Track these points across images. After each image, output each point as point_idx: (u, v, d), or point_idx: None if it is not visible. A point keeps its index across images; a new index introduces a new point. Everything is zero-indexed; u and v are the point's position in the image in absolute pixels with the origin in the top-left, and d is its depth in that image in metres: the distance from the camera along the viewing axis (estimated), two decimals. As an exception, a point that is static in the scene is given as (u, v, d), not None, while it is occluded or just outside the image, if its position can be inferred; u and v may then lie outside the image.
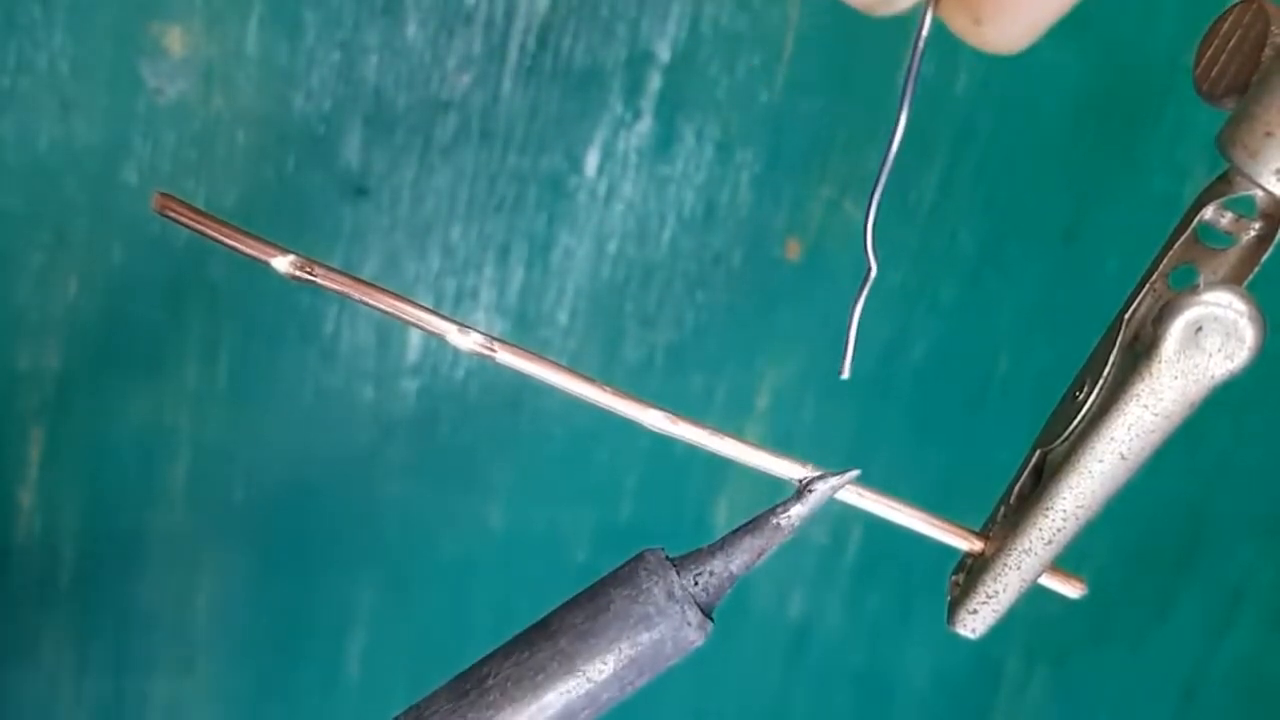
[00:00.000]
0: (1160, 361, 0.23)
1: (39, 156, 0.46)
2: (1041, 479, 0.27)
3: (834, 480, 0.26)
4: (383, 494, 0.54)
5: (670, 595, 0.26)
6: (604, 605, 0.26)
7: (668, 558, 0.26)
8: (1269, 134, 0.23)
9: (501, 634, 0.54)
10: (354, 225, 0.49)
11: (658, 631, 0.25)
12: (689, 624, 0.26)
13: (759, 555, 0.26)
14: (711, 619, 0.26)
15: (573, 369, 0.26)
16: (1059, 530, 0.26)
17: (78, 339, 0.49)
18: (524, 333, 0.52)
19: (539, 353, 0.26)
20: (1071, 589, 0.28)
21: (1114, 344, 0.26)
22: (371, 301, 0.26)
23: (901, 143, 0.23)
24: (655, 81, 0.49)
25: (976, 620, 0.28)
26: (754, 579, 0.58)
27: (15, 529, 0.51)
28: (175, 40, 0.46)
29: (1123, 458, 0.25)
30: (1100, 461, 0.25)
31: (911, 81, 0.22)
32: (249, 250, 0.25)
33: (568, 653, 0.26)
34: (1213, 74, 0.25)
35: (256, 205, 0.48)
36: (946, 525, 0.28)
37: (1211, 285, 0.24)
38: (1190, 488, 0.60)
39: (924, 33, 0.21)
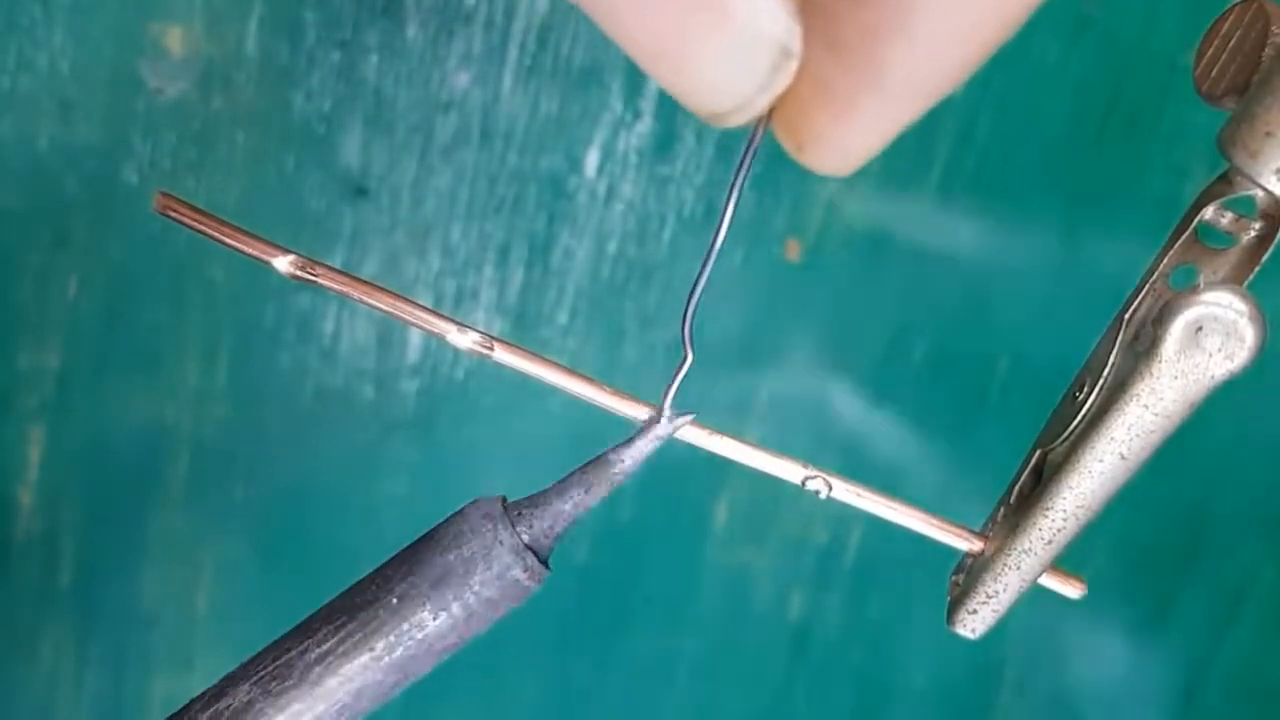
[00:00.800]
0: (1160, 361, 0.23)
1: (39, 156, 0.46)
2: (1041, 479, 0.27)
3: (668, 424, 0.26)
4: (383, 493, 0.54)
5: (498, 538, 0.25)
6: (432, 551, 0.26)
7: (500, 503, 0.26)
8: (1269, 134, 0.23)
9: (501, 634, 0.54)
10: (354, 225, 0.49)
11: (485, 574, 0.25)
12: (518, 565, 0.25)
13: (592, 494, 0.26)
14: (546, 563, 0.26)
15: (570, 367, 0.26)
16: (1059, 530, 0.26)
17: (78, 338, 0.49)
18: (524, 333, 0.52)
19: (537, 352, 0.26)
20: (1071, 589, 0.28)
21: (1114, 344, 0.26)
22: (371, 301, 0.26)
23: (725, 241, 0.23)
24: (655, 82, 0.49)
25: (976, 620, 0.28)
26: (754, 579, 0.58)
27: (15, 528, 0.51)
28: (175, 40, 0.46)
29: (1123, 458, 0.25)
30: (1100, 461, 0.25)
31: (737, 188, 0.23)
32: (249, 250, 0.25)
33: (395, 604, 0.26)
34: (1213, 74, 0.25)
35: (256, 205, 0.48)
36: (946, 525, 0.28)
37: (1212, 285, 0.24)
38: (1191, 488, 0.60)
39: (754, 146, 0.22)
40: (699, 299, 0.25)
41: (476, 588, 0.25)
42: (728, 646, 0.60)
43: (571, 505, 0.26)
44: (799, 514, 0.58)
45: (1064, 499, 0.26)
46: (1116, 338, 0.25)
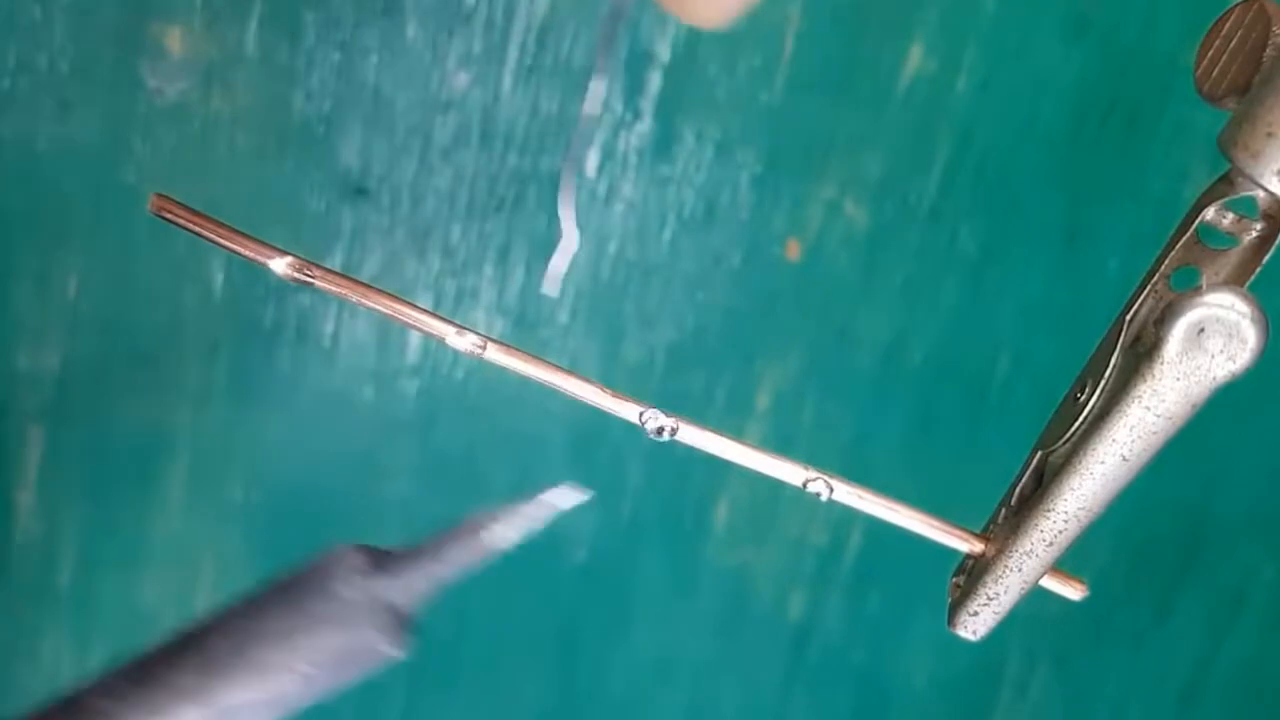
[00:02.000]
0: (1162, 363, 0.23)
1: (39, 156, 0.46)
2: (1043, 480, 0.27)
3: (550, 499, 0.24)
4: (383, 494, 0.54)
5: (363, 603, 0.23)
6: (292, 605, 0.24)
7: (365, 555, 0.24)
8: (1270, 134, 0.23)
9: (500, 634, 0.54)
10: (354, 225, 0.49)
11: (346, 639, 0.23)
12: (382, 635, 0.23)
13: (464, 567, 0.24)
14: (408, 627, 0.24)
15: (559, 366, 0.26)
16: (1060, 532, 0.26)
17: (77, 339, 0.49)
18: (524, 333, 0.52)
19: (531, 352, 0.26)
20: (1072, 591, 0.28)
21: (1115, 345, 0.25)
22: (369, 303, 0.26)
23: (604, 101, 0.23)
24: (655, 82, 0.49)
25: (977, 622, 0.28)
26: (754, 579, 0.58)
27: (15, 529, 0.51)
28: (175, 40, 0.46)
29: (1124, 459, 0.25)
30: (1102, 463, 0.25)
31: (606, 44, 0.22)
32: (246, 252, 0.25)
33: (250, 653, 0.23)
34: (1214, 74, 0.25)
35: (256, 206, 0.48)
36: (947, 527, 0.28)
37: (1213, 286, 0.24)
38: (1192, 489, 0.60)
39: (625, 8, 0.21)
40: (574, 180, 0.24)
41: (327, 648, 0.23)
42: (728, 646, 0.60)
43: (443, 569, 0.24)
44: (799, 514, 0.58)
45: (1065, 500, 0.26)
46: (1118, 339, 0.25)
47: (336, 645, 0.23)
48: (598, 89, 0.23)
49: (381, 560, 0.24)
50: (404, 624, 0.24)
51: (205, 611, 0.24)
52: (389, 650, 0.24)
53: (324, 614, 0.23)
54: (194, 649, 0.25)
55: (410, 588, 0.24)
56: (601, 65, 0.22)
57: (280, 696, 0.24)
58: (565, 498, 0.23)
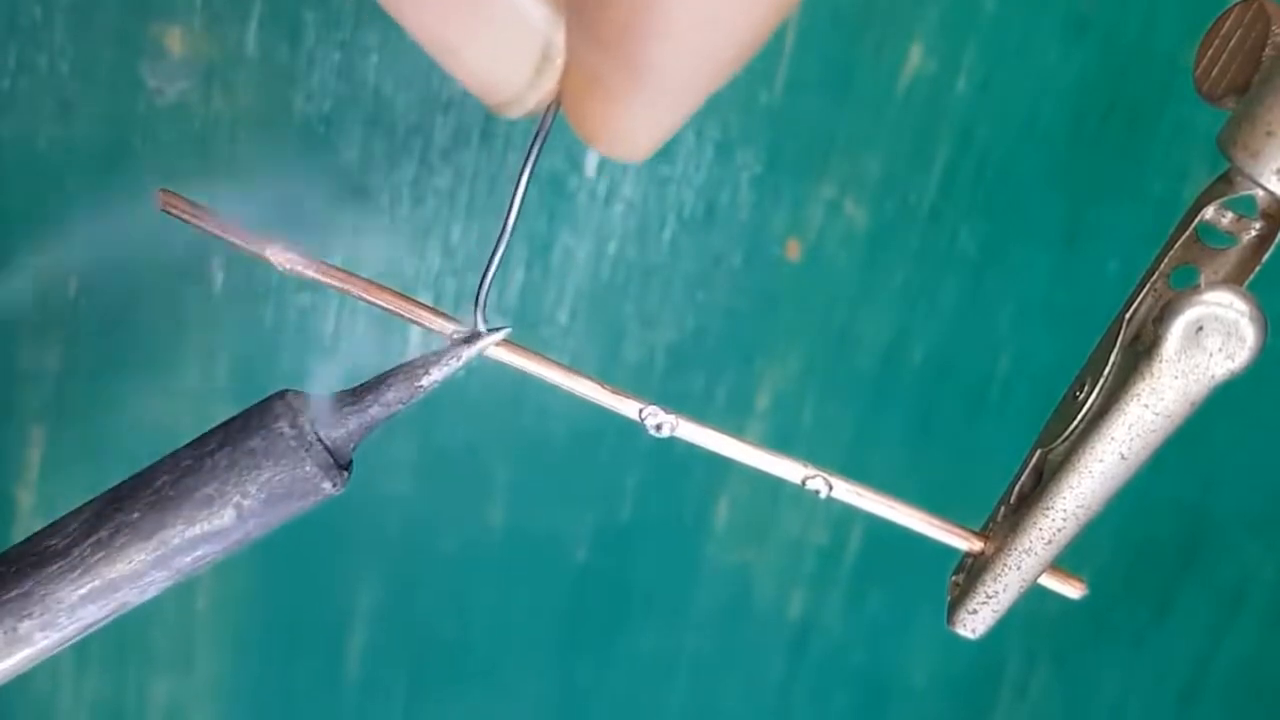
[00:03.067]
0: (1161, 361, 0.23)
1: (39, 156, 0.46)
2: (1042, 479, 0.27)
3: (480, 343, 0.25)
4: (383, 493, 0.54)
5: (299, 438, 0.25)
6: (233, 443, 0.25)
7: (304, 397, 0.25)
8: (1270, 134, 0.23)
9: (501, 633, 0.54)
10: (354, 225, 0.49)
11: (284, 474, 0.25)
12: (318, 470, 0.25)
13: (396, 403, 0.25)
14: (344, 467, 0.25)
15: (559, 362, 0.26)
16: (1059, 530, 0.26)
17: (78, 339, 0.49)
18: (524, 333, 0.52)
19: (534, 349, 0.26)
20: (1072, 589, 0.28)
21: (1114, 344, 0.25)
22: (369, 297, 0.26)
23: (518, 221, 0.24)
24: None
25: (976, 620, 0.28)
26: (754, 579, 0.58)
27: (15, 529, 0.51)
28: (175, 40, 0.46)
29: (1123, 458, 0.25)
30: (1101, 461, 0.25)
31: (526, 175, 0.23)
32: (250, 247, 0.25)
33: (192, 488, 0.25)
34: (1213, 74, 0.25)
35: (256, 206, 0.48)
36: (946, 525, 0.28)
37: (1212, 285, 0.24)
38: (1191, 487, 0.60)
39: (541, 136, 0.22)
40: (493, 276, 0.24)
41: (268, 482, 0.25)
42: (728, 646, 0.60)
43: (376, 411, 0.25)
44: (799, 514, 0.58)
45: (1064, 499, 0.26)
46: (1117, 337, 0.25)
47: (275, 480, 0.25)
48: (518, 199, 0.23)
49: (319, 402, 0.25)
50: (340, 462, 0.25)
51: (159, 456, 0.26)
52: (326, 486, 0.25)
53: (263, 450, 0.25)
54: (142, 488, 0.26)
55: (346, 427, 0.25)
56: (520, 188, 0.23)
57: (221, 530, 0.25)
58: (495, 338, 0.24)
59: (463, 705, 0.59)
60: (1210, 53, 0.25)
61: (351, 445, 0.25)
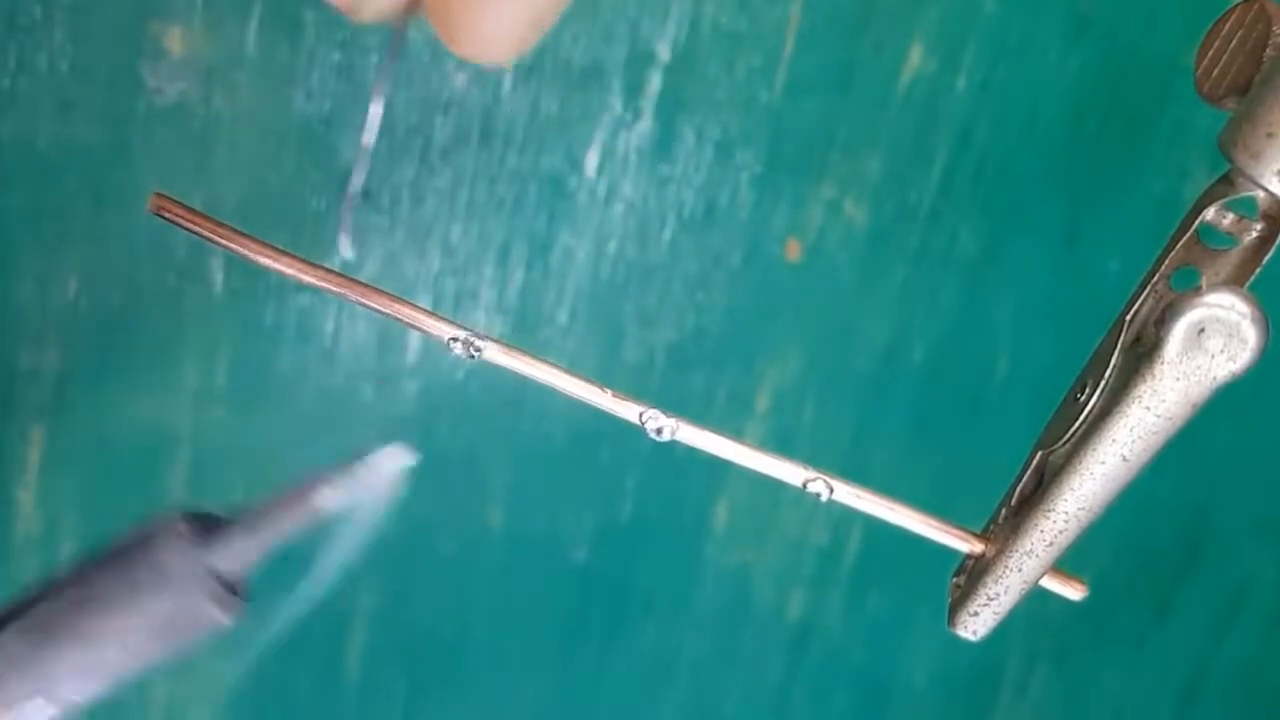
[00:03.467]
0: (1162, 363, 0.23)
1: (39, 156, 0.46)
2: (1043, 481, 0.27)
3: (379, 470, 0.24)
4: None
5: (190, 571, 0.23)
6: (118, 574, 0.23)
7: (191, 523, 0.24)
8: (1271, 135, 0.23)
9: (501, 634, 0.54)
10: (354, 226, 0.49)
11: (174, 606, 0.23)
12: (210, 602, 0.23)
13: (290, 534, 0.24)
14: (238, 594, 0.24)
15: (560, 365, 0.26)
16: (1060, 532, 0.26)
17: (77, 339, 0.49)
18: (524, 333, 0.52)
19: (531, 352, 0.26)
20: (1073, 591, 0.28)
21: (1116, 345, 0.25)
22: (368, 302, 0.26)
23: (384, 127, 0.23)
24: (655, 82, 0.49)
25: (977, 622, 0.28)
26: (754, 579, 0.58)
27: (15, 530, 0.51)
28: (175, 40, 0.46)
29: (1124, 459, 0.25)
30: (1102, 463, 0.25)
31: (384, 77, 0.23)
32: (244, 251, 0.25)
33: (77, 622, 0.23)
34: (1214, 75, 0.25)
35: (256, 205, 0.48)
36: (947, 527, 0.28)
37: (1214, 286, 0.24)
38: (1191, 489, 0.60)
39: (398, 39, 0.22)
40: (356, 194, 0.24)
41: (155, 614, 0.23)
42: (728, 646, 0.60)
43: (270, 538, 0.24)
44: (799, 515, 0.58)
45: (1065, 501, 0.26)
46: (1118, 339, 0.25)
47: (164, 613, 0.24)
48: (375, 116, 0.23)
49: (208, 527, 0.24)
50: (233, 590, 0.24)
51: (33, 582, 0.24)
52: (219, 617, 0.24)
53: (150, 582, 0.23)
54: (22, 618, 0.24)
55: (238, 554, 0.24)
56: (378, 95, 0.23)
57: (109, 665, 0.24)
58: (393, 460, 0.23)
59: (462, 706, 0.59)
60: (1211, 53, 0.25)
61: (245, 573, 0.24)
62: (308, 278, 0.25)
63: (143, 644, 0.24)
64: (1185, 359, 0.23)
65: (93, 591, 0.24)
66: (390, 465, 0.23)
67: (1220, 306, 0.23)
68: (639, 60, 0.49)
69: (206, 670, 0.56)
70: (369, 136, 0.23)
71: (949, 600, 0.29)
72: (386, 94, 0.23)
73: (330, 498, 0.23)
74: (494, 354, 0.26)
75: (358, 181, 0.24)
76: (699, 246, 0.52)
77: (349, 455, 0.23)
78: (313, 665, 0.57)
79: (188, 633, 0.24)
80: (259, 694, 0.57)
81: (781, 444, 0.57)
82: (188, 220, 0.25)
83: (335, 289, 0.26)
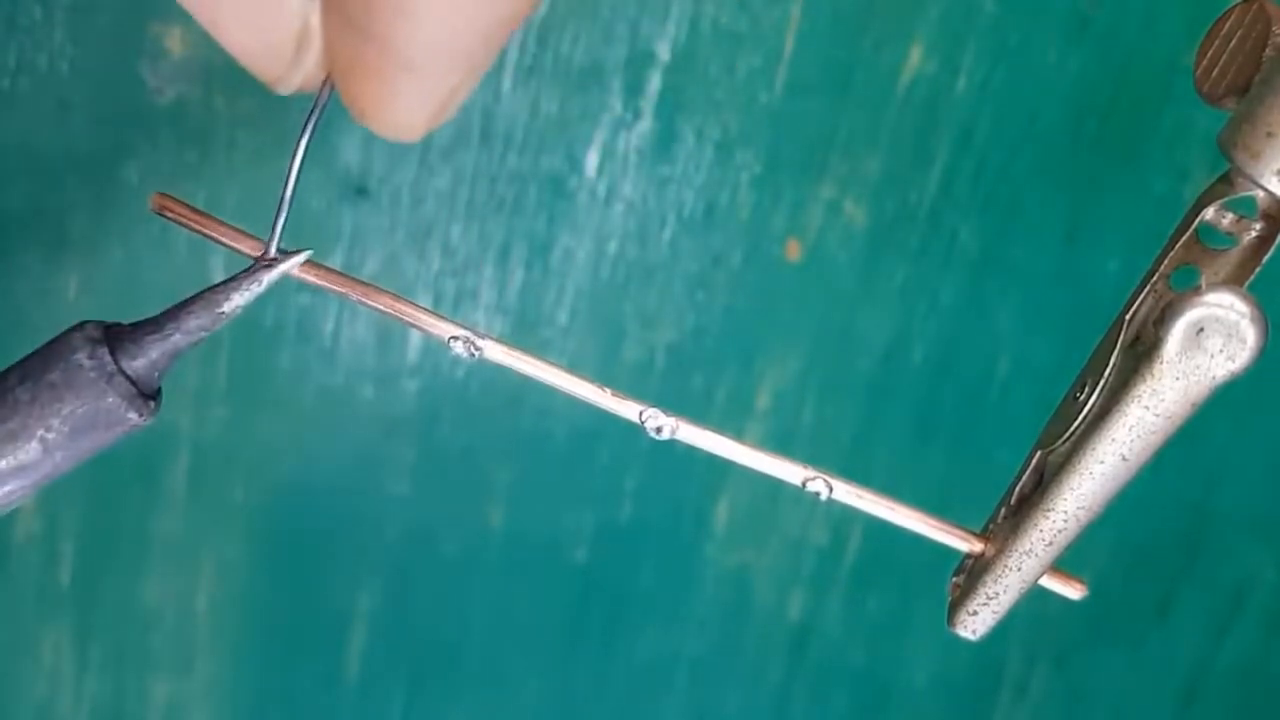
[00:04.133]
0: (1162, 362, 0.23)
1: (39, 157, 0.46)
2: (1042, 480, 0.27)
3: (282, 265, 0.25)
4: (383, 493, 0.54)
5: (99, 369, 0.24)
6: (32, 377, 0.25)
7: (102, 329, 0.25)
8: (1270, 135, 0.23)
9: (501, 634, 0.54)
10: (354, 226, 0.49)
11: (88, 406, 0.24)
12: (123, 401, 0.24)
13: (197, 330, 0.25)
14: (149, 396, 0.25)
15: (560, 365, 0.26)
16: (1060, 531, 0.26)
17: (77, 339, 0.49)
18: (524, 333, 0.52)
19: (531, 351, 0.26)
20: (1072, 590, 0.28)
21: (1115, 345, 0.25)
22: (371, 302, 0.26)
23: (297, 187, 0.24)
24: (655, 82, 0.49)
25: (977, 621, 0.28)
26: (754, 579, 0.58)
27: (15, 529, 0.51)
28: (175, 41, 0.46)
29: (1124, 459, 0.25)
30: (1101, 463, 0.25)
31: (301, 149, 0.23)
32: (247, 251, 0.25)
33: (8, 426, 0.25)
34: (1213, 75, 0.25)
35: (256, 206, 0.48)
36: (947, 527, 0.28)
37: (1213, 286, 0.24)
38: (1191, 488, 0.60)
39: (315, 112, 0.22)
40: (285, 210, 0.24)
41: (70, 415, 0.24)
42: (728, 647, 0.60)
43: (178, 338, 0.25)
44: (799, 514, 0.58)
45: (1065, 500, 0.26)
46: (1118, 338, 0.25)
47: (78, 413, 0.24)
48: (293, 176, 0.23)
49: (118, 332, 0.25)
50: (145, 392, 0.25)
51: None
52: (131, 416, 0.25)
53: (63, 382, 0.24)
54: None
55: (148, 356, 0.25)
56: (295, 165, 0.23)
57: (27, 464, 0.25)
58: (289, 264, 0.24)
59: (462, 707, 0.59)
60: (1210, 53, 0.25)
61: (157, 374, 0.25)
62: (309, 277, 0.25)
63: (60, 444, 0.25)
64: (1185, 358, 0.23)
65: (9, 396, 0.25)
66: (291, 266, 0.24)
67: (1220, 306, 0.23)
68: (639, 60, 0.49)
69: (206, 671, 0.56)
70: (288, 189, 0.24)
71: (949, 600, 0.29)
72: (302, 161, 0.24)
73: (238, 299, 0.24)
74: (494, 353, 0.26)
75: (285, 200, 0.24)
76: (699, 246, 0.52)
77: (261, 257, 0.24)
78: (312, 665, 0.57)
79: (103, 432, 0.25)
80: (259, 694, 0.57)
81: (781, 444, 0.57)
82: (190, 219, 0.25)
83: (336, 288, 0.26)
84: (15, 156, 0.46)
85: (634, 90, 0.49)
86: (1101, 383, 0.25)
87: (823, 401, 0.55)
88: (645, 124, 0.50)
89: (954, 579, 0.29)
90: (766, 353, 0.54)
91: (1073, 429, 0.26)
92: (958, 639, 0.28)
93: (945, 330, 0.55)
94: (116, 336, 0.25)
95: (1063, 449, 0.26)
